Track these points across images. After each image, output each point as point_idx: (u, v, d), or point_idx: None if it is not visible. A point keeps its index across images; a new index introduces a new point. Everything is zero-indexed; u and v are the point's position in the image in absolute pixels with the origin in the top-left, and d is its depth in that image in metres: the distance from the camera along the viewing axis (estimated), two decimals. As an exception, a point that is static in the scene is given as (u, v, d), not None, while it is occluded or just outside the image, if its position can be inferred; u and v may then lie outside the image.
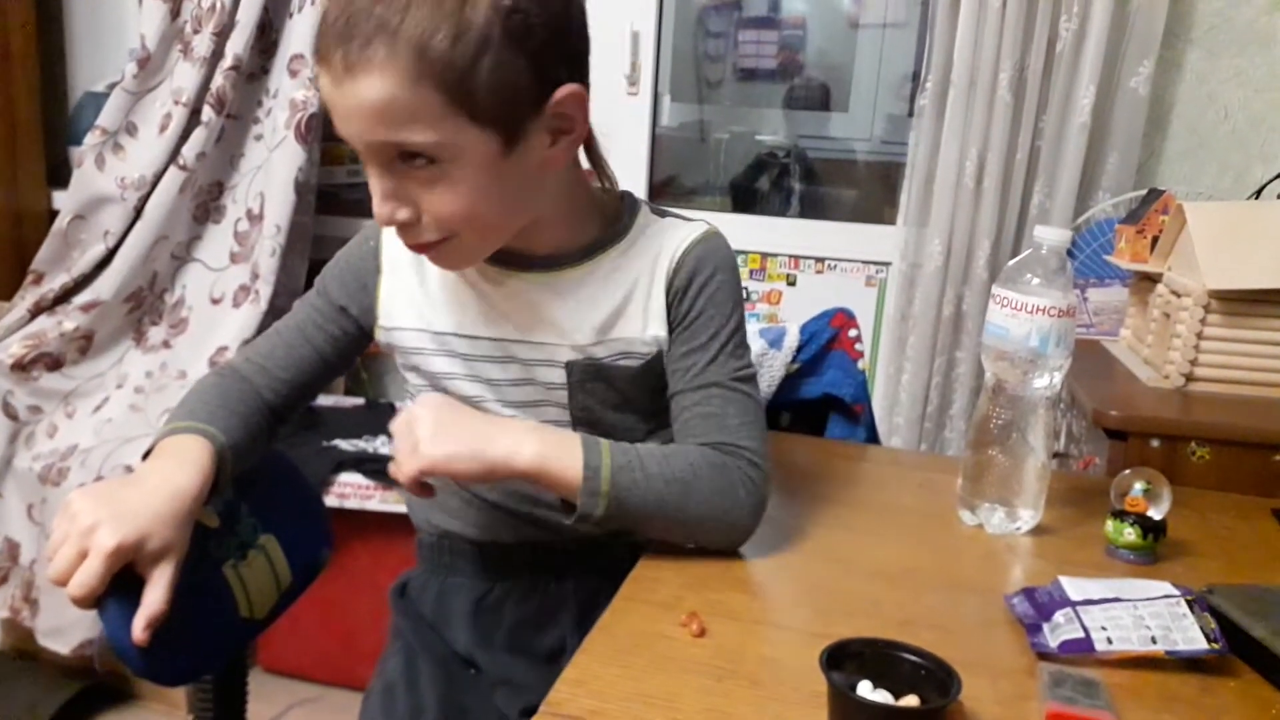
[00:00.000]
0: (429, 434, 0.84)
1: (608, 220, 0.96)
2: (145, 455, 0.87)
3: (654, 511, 0.87)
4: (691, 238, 0.95)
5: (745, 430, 0.92)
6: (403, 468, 0.85)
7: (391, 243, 0.94)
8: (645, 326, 0.94)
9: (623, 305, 0.94)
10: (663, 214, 0.99)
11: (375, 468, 1.93)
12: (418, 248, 0.87)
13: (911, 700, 0.65)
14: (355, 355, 1.01)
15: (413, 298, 0.95)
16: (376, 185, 0.82)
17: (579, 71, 0.85)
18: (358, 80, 0.76)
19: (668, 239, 0.95)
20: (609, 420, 0.96)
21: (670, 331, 0.94)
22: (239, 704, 1.11)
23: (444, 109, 0.77)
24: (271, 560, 1.02)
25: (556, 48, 0.82)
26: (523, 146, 0.82)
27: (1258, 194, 1.73)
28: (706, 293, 0.94)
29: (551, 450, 0.86)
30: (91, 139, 2.06)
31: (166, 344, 2.12)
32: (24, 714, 1.89)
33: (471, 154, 0.80)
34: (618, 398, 0.95)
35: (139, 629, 0.76)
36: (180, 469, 0.82)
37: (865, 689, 0.66)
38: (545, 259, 0.93)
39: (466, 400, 0.95)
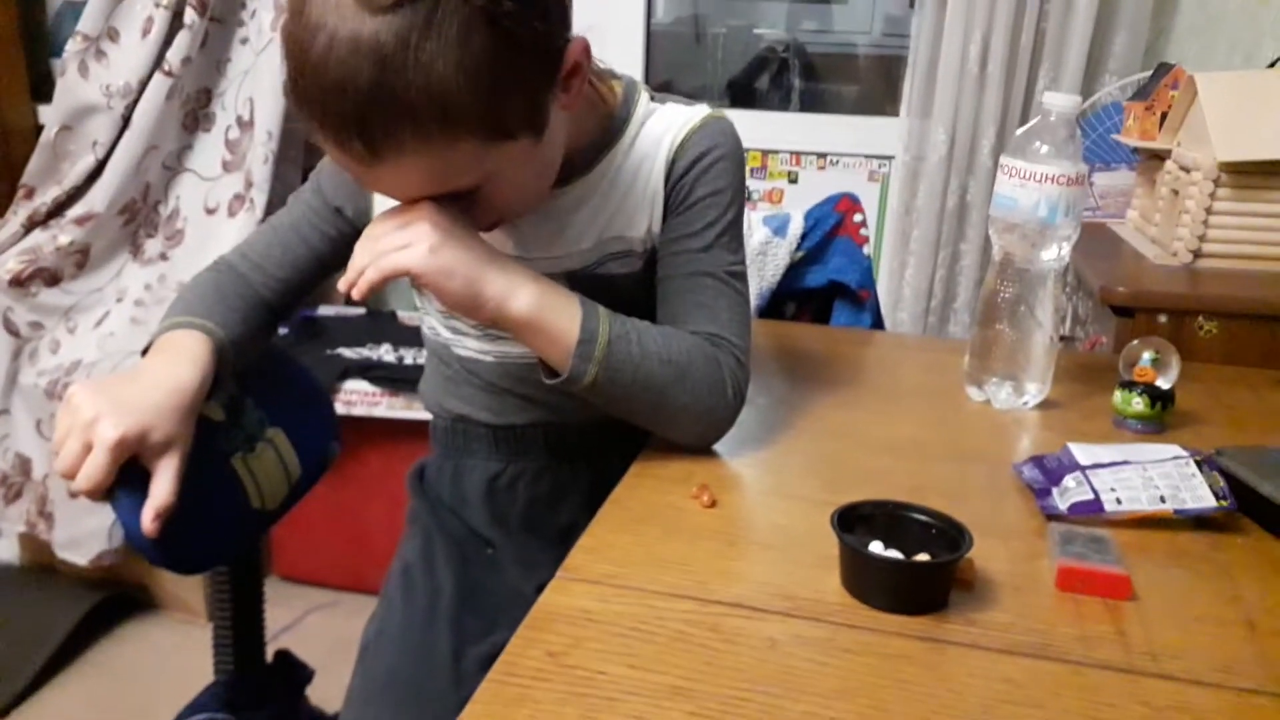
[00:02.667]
0: (432, 240, 0.76)
1: (608, 116, 0.91)
2: (144, 353, 0.86)
3: (642, 391, 0.83)
4: (692, 123, 0.90)
5: (735, 326, 0.89)
6: (379, 263, 0.76)
7: None
8: (645, 221, 0.90)
9: (622, 203, 0.90)
10: (664, 100, 0.94)
11: (380, 374, 1.93)
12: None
13: (923, 558, 0.66)
14: (350, 254, 0.99)
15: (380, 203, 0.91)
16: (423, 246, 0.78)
17: (569, 17, 0.79)
18: (386, 163, 0.71)
19: (668, 126, 0.91)
20: None
21: (665, 219, 0.90)
22: (256, 606, 1.12)
23: (482, 147, 0.73)
24: (280, 452, 1.02)
25: (551, 22, 0.75)
26: (550, 122, 0.78)
27: (1272, 66, 1.69)
28: (706, 178, 0.90)
29: (549, 303, 0.81)
30: (73, 46, 2.01)
31: (164, 256, 2.10)
32: (47, 626, 1.93)
33: (512, 162, 0.76)
34: (623, 305, 0.90)
35: (148, 519, 0.76)
36: (180, 363, 0.82)
37: (876, 549, 0.66)
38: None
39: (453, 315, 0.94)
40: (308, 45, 0.67)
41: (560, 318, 0.81)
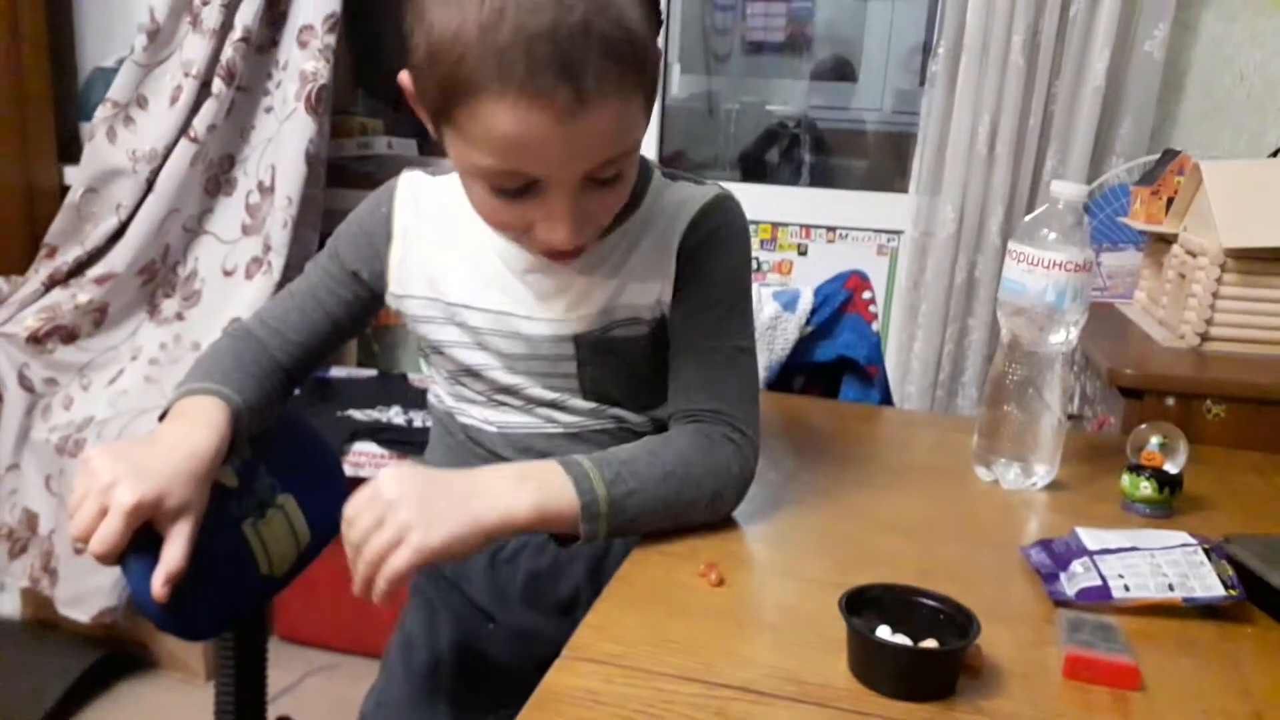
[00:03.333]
0: (419, 520, 0.74)
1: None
2: (162, 417, 0.87)
3: (651, 512, 0.84)
4: (705, 200, 0.92)
5: (741, 401, 0.90)
6: (392, 563, 0.74)
7: (404, 210, 0.93)
8: (654, 291, 0.91)
9: (634, 272, 0.90)
10: (674, 177, 0.95)
11: (389, 436, 1.94)
12: (565, 255, 0.82)
13: (930, 644, 0.66)
14: (367, 319, 1.00)
15: (425, 266, 0.93)
16: (565, 213, 0.76)
17: None
18: (592, 112, 0.70)
19: (681, 202, 0.92)
20: (618, 393, 0.94)
21: (675, 291, 0.91)
22: (259, 669, 1.12)
23: (642, 111, 0.74)
24: (290, 519, 1.03)
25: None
26: None
27: (1276, 155, 1.72)
28: (718, 255, 0.92)
29: (545, 495, 0.80)
30: (103, 112, 2.06)
31: (180, 316, 2.13)
32: (45, 682, 1.91)
33: (636, 147, 0.77)
34: (627, 369, 0.93)
35: (158, 584, 0.77)
36: (197, 429, 0.83)
37: (884, 633, 0.66)
38: None
39: (472, 369, 0.93)
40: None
41: (557, 499, 0.80)
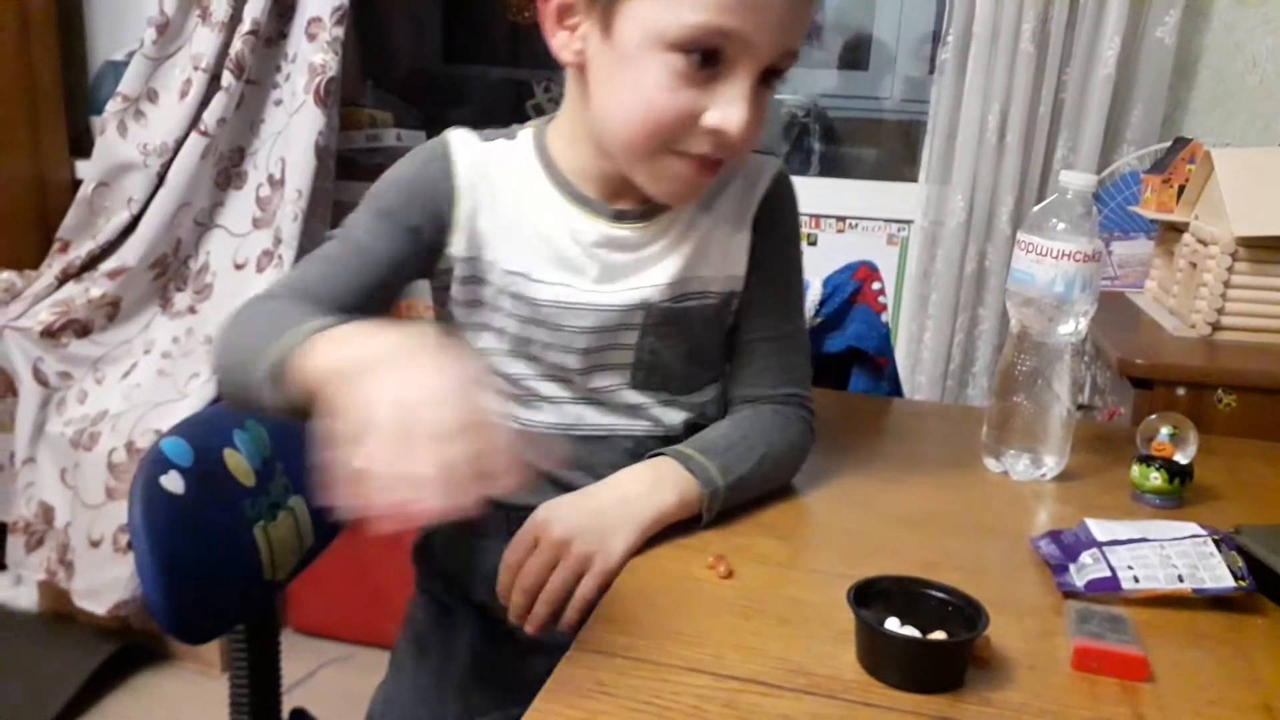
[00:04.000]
0: (597, 545, 0.80)
1: None
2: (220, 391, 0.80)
3: (753, 490, 0.91)
4: (773, 173, 0.95)
5: (806, 379, 0.99)
6: (583, 594, 0.79)
7: (466, 167, 0.89)
8: (725, 265, 0.93)
9: (704, 245, 0.91)
10: None
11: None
12: (709, 166, 0.83)
13: (939, 636, 0.66)
14: (411, 280, 0.91)
15: (492, 228, 0.88)
16: (747, 95, 0.78)
17: None
18: None
19: (749, 173, 0.93)
20: (673, 366, 0.94)
21: (750, 270, 0.94)
22: (273, 662, 1.11)
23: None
24: (298, 522, 1.03)
25: None
26: None
27: (1287, 143, 1.71)
28: (788, 234, 0.97)
29: (682, 490, 0.85)
30: (113, 106, 2.07)
31: (192, 309, 2.14)
32: (61, 674, 1.93)
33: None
34: (687, 343, 0.92)
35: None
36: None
37: (893, 625, 0.67)
38: (644, 211, 0.90)
39: (518, 348, 0.91)
40: None
41: (689, 492, 0.85)
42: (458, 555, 1.02)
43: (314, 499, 1.04)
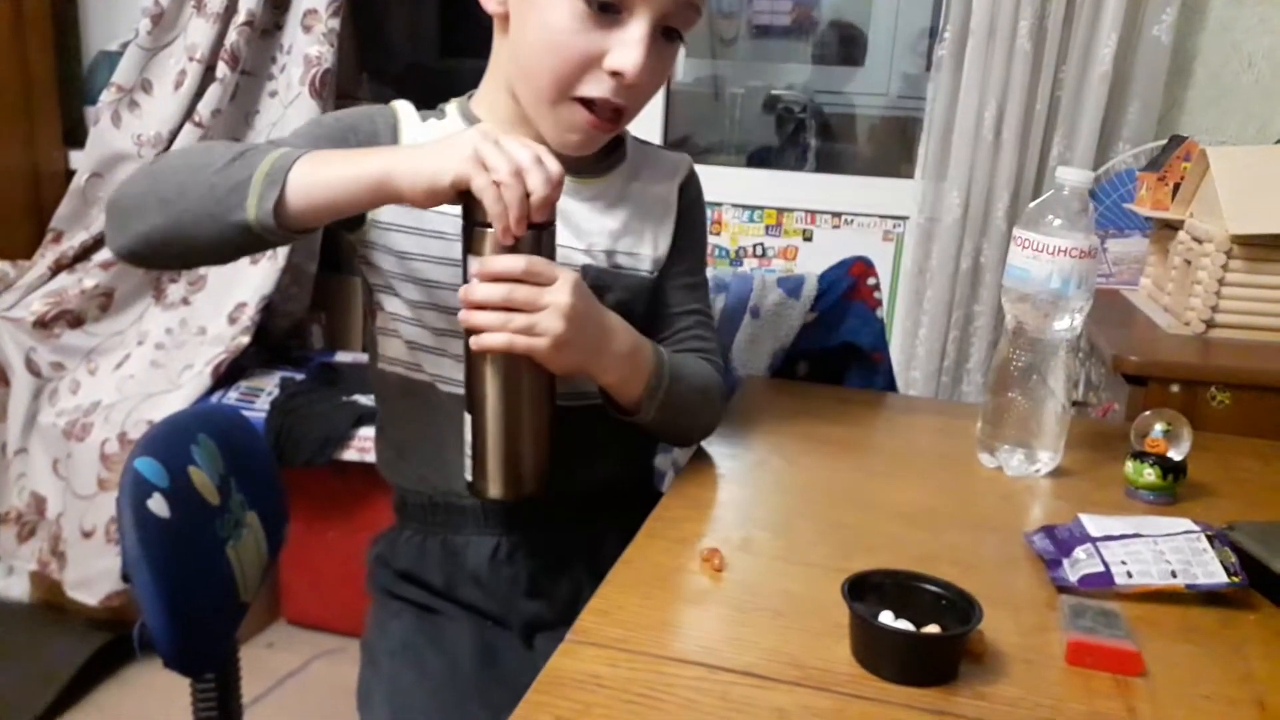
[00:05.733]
0: (560, 334, 0.80)
1: (612, 141, 0.99)
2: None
3: (681, 415, 0.97)
4: (688, 167, 1.06)
5: (716, 343, 1.07)
6: (512, 338, 0.80)
7: (410, 127, 0.93)
8: (655, 245, 1.00)
9: (634, 221, 0.99)
10: (640, 140, 1.06)
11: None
12: (602, 113, 0.88)
13: (933, 629, 0.66)
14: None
15: None
16: (643, 40, 0.85)
17: None
18: None
19: (665, 165, 1.04)
20: None
21: (672, 252, 1.02)
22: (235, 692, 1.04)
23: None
24: (257, 538, 0.99)
25: None
26: None
27: (1281, 143, 1.71)
28: (700, 222, 1.07)
29: (641, 362, 0.91)
30: (108, 96, 2.06)
31: (186, 301, 2.13)
32: (53, 665, 1.92)
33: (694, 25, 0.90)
34: (617, 310, 0.93)
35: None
36: None
37: (887, 619, 0.67)
38: (573, 167, 0.92)
39: (438, 301, 0.92)
40: None
41: (638, 369, 0.91)
42: (432, 559, 1.00)
43: (263, 511, 1.02)
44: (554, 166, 0.77)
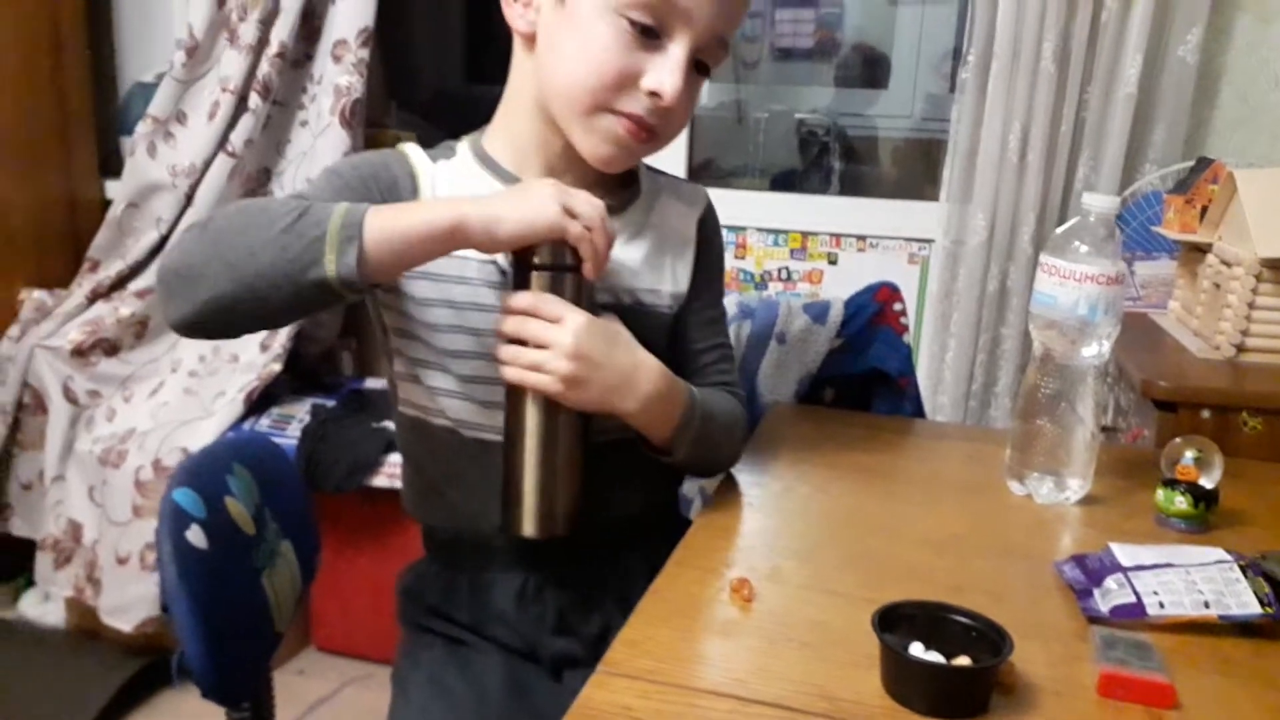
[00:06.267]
0: (579, 378, 0.83)
1: (627, 173, 1.01)
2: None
3: (709, 451, 0.99)
4: (705, 200, 1.08)
5: (736, 374, 1.09)
6: (529, 379, 0.83)
7: (425, 172, 0.94)
8: (675, 280, 1.01)
9: (654, 255, 1.00)
10: (656, 171, 1.07)
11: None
12: (638, 126, 0.89)
13: (963, 661, 0.66)
14: None
15: None
16: (680, 65, 0.88)
17: None
18: None
19: (683, 197, 1.05)
20: None
21: (692, 287, 1.03)
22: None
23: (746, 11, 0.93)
24: (290, 567, 1.00)
25: None
26: None
27: (1311, 163, 1.70)
28: (719, 255, 1.09)
29: (663, 400, 0.92)
30: (143, 128, 2.10)
31: (218, 329, 2.16)
32: (88, 691, 1.95)
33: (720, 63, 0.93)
34: (645, 344, 0.93)
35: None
36: None
37: (917, 650, 0.67)
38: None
39: (482, 354, 0.92)
40: None
41: (671, 409, 0.92)
42: (461, 596, 1.00)
43: (297, 541, 1.03)
44: (610, 224, 0.83)
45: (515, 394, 0.86)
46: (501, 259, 0.91)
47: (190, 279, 0.79)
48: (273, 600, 0.95)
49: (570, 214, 0.80)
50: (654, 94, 0.88)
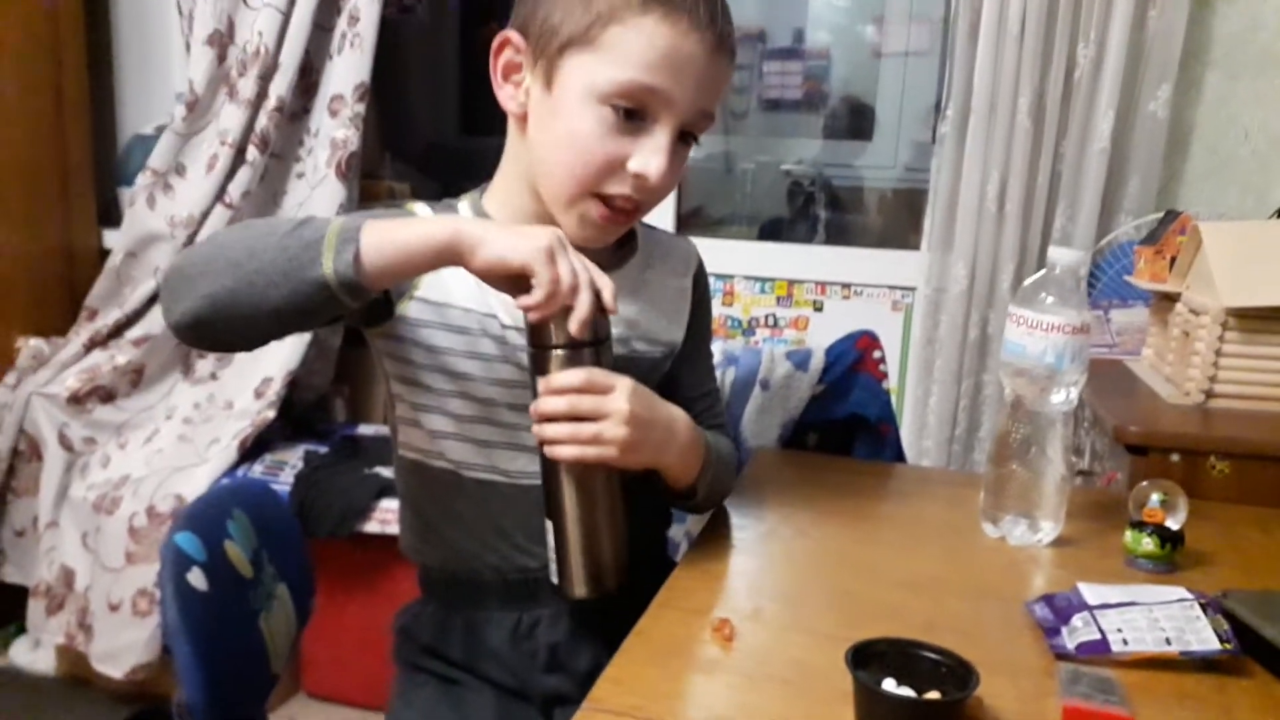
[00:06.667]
0: (627, 441, 0.87)
1: (625, 233, 1.04)
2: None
3: (717, 492, 1.06)
4: (697, 258, 1.12)
5: (726, 415, 1.16)
6: (583, 449, 0.86)
7: None
8: (670, 333, 1.06)
9: (649, 310, 1.03)
10: (648, 226, 1.10)
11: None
12: (621, 207, 0.93)
13: (934, 696, 0.69)
14: (346, 316, 0.90)
15: (464, 277, 0.87)
16: (666, 147, 0.90)
17: None
18: (723, 58, 0.91)
19: (676, 255, 1.10)
20: None
21: (687, 337, 1.08)
22: None
23: (727, 85, 0.95)
24: (286, 610, 1.03)
25: None
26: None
27: (1278, 214, 1.76)
28: (709, 306, 1.15)
29: (692, 455, 0.99)
30: (143, 180, 2.15)
31: (214, 376, 2.19)
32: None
33: (707, 127, 0.96)
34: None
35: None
36: None
37: (889, 685, 0.70)
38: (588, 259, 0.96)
39: (493, 397, 0.96)
40: None
41: (697, 455, 0.99)
42: (455, 635, 1.03)
43: (292, 584, 1.05)
44: (610, 286, 0.84)
45: (552, 463, 0.88)
46: (503, 313, 0.94)
47: (192, 277, 0.82)
48: (269, 642, 0.97)
49: (554, 265, 0.81)
50: (640, 176, 0.90)
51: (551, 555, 0.91)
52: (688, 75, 0.88)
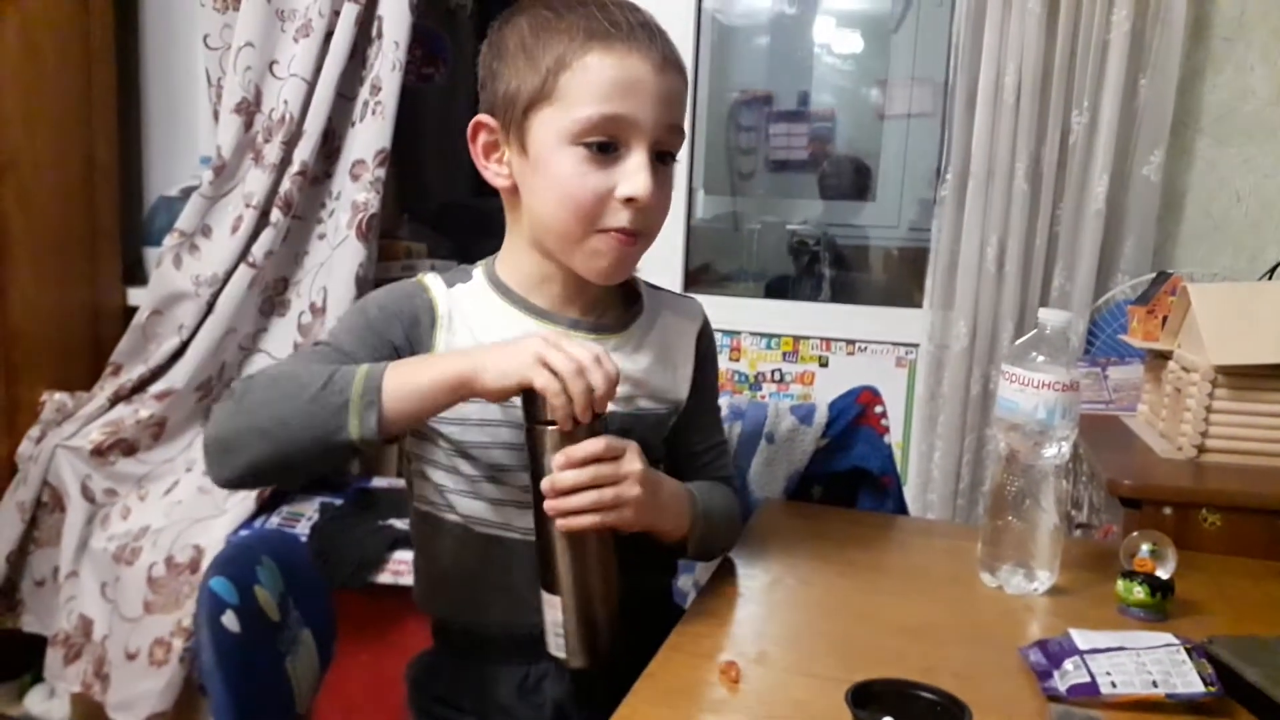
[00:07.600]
0: (638, 504, 0.92)
1: (629, 292, 1.10)
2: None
3: (712, 545, 1.11)
4: (702, 315, 1.17)
5: (733, 467, 1.24)
6: (603, 514, 0.90)
7: (442, 299, 1.01)
8: (675, 390, 1.09)
9: (656, 368, 1.07)
10: (654, 286, 1.15)
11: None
12: (625, 235, 0.97)
13: (928, 734, 0.73)
14: None
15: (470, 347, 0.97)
16: (645, 165, 0.95)
17: None
18: (671, 72, 0.96)
19: (682, 313, 1.14)
20: None
21: (692, 393, 1.11)
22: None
23: (684, 104, 1.01)
24: (310, 654, 1.07)
25: None
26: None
27: (1270, 274, 1.81)
28: (715, 362, 1.19)
29: (677, 513, 1.04)
30: (170, 241, 2.22)
31: (233, 429, 2.24)
32: (90, 788, 1.96)
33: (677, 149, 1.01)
34: (642, 448, 0.99)
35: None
36: None
37: (886, 724, 0.74)
38: (596, 324, 1.04)
39: (491, 462, 1.00)
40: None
41: (684, 514, 1.04)
42: (465, 686, 1.06)
43: (316, 629, 1.09)
44: (612, 365, 0.88)
45: (553, 536, 0.91)
46: None
47: (230, 449, 0.90)
48: (295, 685, 1.01)
49: (547, 367, 0.85)
50: (630, 200, 0.95)
51: (551, 628, 0.93)
52: (643, 96, 0.94)
